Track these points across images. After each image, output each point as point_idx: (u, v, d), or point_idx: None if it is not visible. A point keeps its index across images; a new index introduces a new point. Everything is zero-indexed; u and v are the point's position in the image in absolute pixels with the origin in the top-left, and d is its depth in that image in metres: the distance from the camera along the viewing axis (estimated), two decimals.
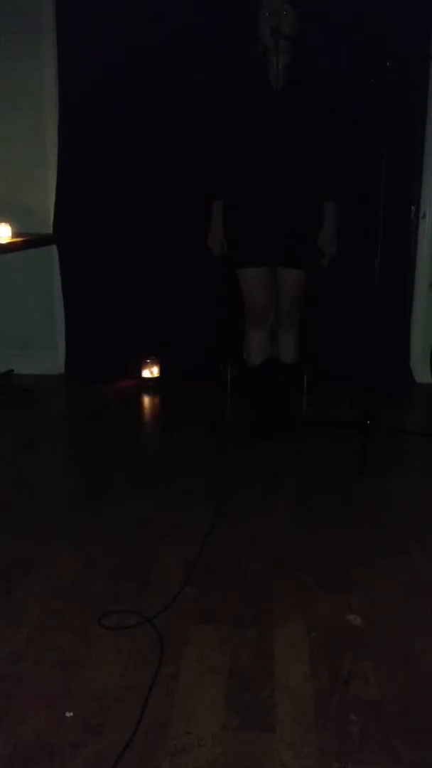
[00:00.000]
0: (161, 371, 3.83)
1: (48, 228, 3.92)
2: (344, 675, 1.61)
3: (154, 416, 3.66)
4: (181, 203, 3.66)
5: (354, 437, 2.89)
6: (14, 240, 3.51)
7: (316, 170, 2.99)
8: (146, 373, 3.82)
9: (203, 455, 2.98)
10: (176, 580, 1.99)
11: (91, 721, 1.47)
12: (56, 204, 3.89)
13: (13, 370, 3.99)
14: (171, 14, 3.52)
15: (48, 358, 4.11)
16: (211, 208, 3.13)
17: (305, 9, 2.93)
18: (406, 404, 3.74)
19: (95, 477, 2.76)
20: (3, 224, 3.49)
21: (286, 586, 1.97)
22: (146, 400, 3.76)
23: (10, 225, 3.53)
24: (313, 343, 3.58)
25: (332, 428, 3.17)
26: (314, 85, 2.97)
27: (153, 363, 3.82)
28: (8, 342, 4.09)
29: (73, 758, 1.38)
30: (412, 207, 3.75)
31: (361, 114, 3.26)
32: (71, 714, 1.49)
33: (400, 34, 3.37)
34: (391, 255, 3.00)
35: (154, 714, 1.49)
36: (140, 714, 1.48)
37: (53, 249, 3.95)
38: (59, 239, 3.91)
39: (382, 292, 2.86)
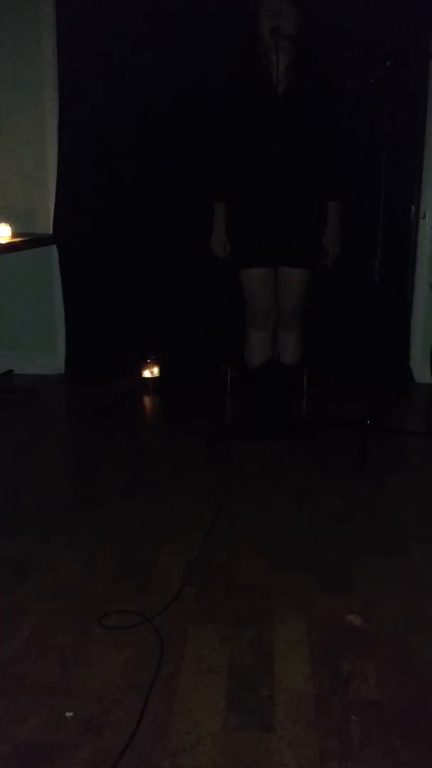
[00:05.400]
0: (161, 371, 3.83)
1: (48, 228, 3.92)
2: (344, 675, 1.61)
3: (154, 416, 3.66)
4: (183, 204, 3.66)
5: (354, 437, 2.89)
6: (14, 240, 3.50)
7: (318, 170, 2.99)
8: (146, 373, 3.82)
9: (203, 455, 2.98)
10: (176, 580, 1.99)
11: (91, 721, 1.47)
12: (56, 204, 3.89)
13: (13, 370, 3.99)
14: (172, 15, 3.52)
15: (48, 358, 4.11)
16: (214, 210, 3.13)
17: (305, 9, 2.93)
18: (406, 404, 3.74)
19: (95, 477, 2.76)
20: (3, 224, 3.49)
21: (286, 586, 1.97)
22: (146, 400, 3.76)
23: (10, 225, 3.53)
24: (314, 343, 3.58)
25: (332, 428, 3.16)
26: (315, 85, 2.97)
27: (153, 363, 3.82)
28: (8, 342, 4.09)
29: (73, 758, 1.38)
30: (412, 207, 3.75)
31: (362, 114, 3.27)
32: (71, 714, 1.49)
33: (400, 34, 3.38)
34: (391, 255, 3.00)
35: (154, 714, 1.49)
36: (140, 714, 1.48)
37: (53, 249, 3.95)
38: (59, 239, 3.91)
39: (382, 292, 2.86)
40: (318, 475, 2.77)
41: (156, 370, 3.83)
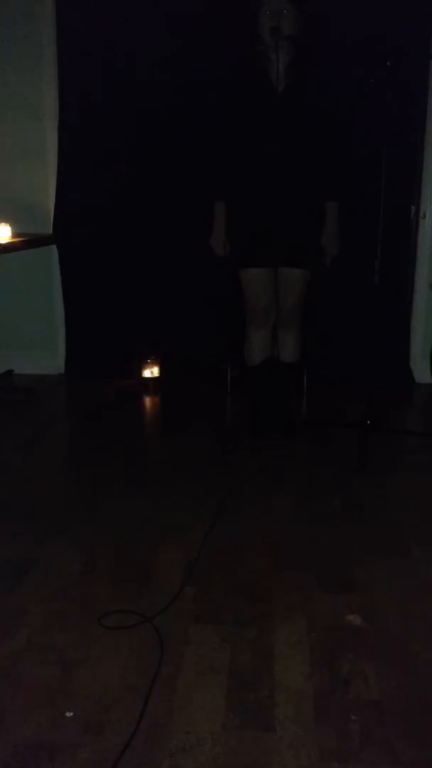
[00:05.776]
0: (161, 371, 3.83)
1: (48, 228, 3.92)
2: (344, 675, 1.61)
3: (154, 416, 3.66)
4: (183, 203, 3.66)
5: (354, 437, 2.89)
6: (14, 240, 3.50)
7: (317, 170, 3.00)
8: (146, 373, 3.82)
9: (203, 455, 2.98)
10: (176, 580, 1.99)
11: (91, 721, 1.47)
12: (56, 204, 3.89)
13: (13, 370, 3.99)
14: (171, 14, 3.52)
15: (48, 358, 4.11)
16: (214, 209, 3.14)
17: (305, 8, 2.94)
18: (406, 404, 3.74)
19: (95, 477, 2.76)
20: (3, 224, 3.49)
21: (286, 586, 1.97)
22: (146, 400, 3.76)
23: (10, 225, 3.53)
24: (314, 342, 3.58)
25: (332, 428, 3.16)
26: (315, 85, 2.98)
27: (153, 363, 3.82)
28: (8, 342, 4.09)
29: (73, 758, 1.38)
30: (412, 207, 3.75)
31: (362, 114, 3.27)
32: (71, 714, 1.49)
33: (400, 34, 3.38)
34: (391, 255, 3.00)
35: (154, 714, 1.49)
36: (140, 714, 1.48)
37: (53, 249, 3.95)
38: (59, 239, 3.91)
39: (382, 292, 2.86)
40: (318, 475, 2.77)
41: (156, 370, 3.83)
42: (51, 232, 3.91)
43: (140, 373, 3.83)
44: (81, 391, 3.91)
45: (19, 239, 3.54)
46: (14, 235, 3.55)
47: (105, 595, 1.93)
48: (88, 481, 2.74)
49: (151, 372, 3.83)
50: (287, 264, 3.07)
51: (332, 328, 3.76)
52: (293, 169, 2.94)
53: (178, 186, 3.69)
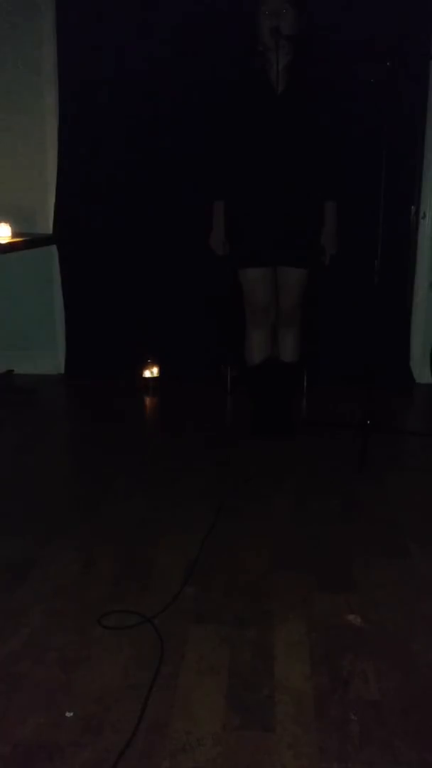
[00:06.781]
0: (161, 371, 3.83)
1: (48, 228, 3.92)
2: (344, 675, 1.61)
3: (154, 416, 3.66)
4: (182, 203, 3.67)
5: (354, 437, 2.89)
6: (14, 240, 3.51)
7: (316, 170, 3.00)
8: (146, 373, 3.82)
9: (203, 455, 2.98)
10: (176, 580, 1.99)
11: (91, 721, 1.47)
12: (56, 204, 3.89)
13: (13, 370, 3.99)
14: (171, 15, 3.52)
15: (48, 358, 4.11)
16: (213, 209, 3.14)
17: (305, 8, 2.94)
18: (406, 404, 3.74)
19: (95, 477, 2.76)
20: (3, 224, 3.49)
21: (286, 586, 1.97)
22: (146, 400, 3.76)
23: (10, 225, 3.53)
24: (314, 342, 3.59)
25: (332, 428, 3.17)
26: (314, 85, 2.98)
27: (153, 363, 3.82)
28: (8, 342, 4.09)
29: (73, 758, 1.38)
30: (412, 207, 3.75)
31: (362, 114, 3.27)
32: (71, 714, 1.49)
33: (400, 34, 3.38)
34: (391, 255, 3.00)
35: (154, 714, 1.49)
36: (140, 714, 1.48)
37: (53, 249, 3.95)
38: (59, 239, 3.91)
39: (382, 292, 2.86)
40: (318, 475, 2.77)
41: (156, 370, 3.83)
42: (51, 232, 3.91)
43: (140, 373, 3.83)
44: (81, 391, 3.91)
45: (19, 239, 3.54)
46: (14, 235, 3.55)
47: (105, 595, 1.93)
48: (88, 480, 2.74)
49: (151, 372, 3.83)
50: (286, 263, 3.07)
51: (332, 328, 3.76)
52: (292, 168, 2.94)
53: (178, 185, 3.69)
